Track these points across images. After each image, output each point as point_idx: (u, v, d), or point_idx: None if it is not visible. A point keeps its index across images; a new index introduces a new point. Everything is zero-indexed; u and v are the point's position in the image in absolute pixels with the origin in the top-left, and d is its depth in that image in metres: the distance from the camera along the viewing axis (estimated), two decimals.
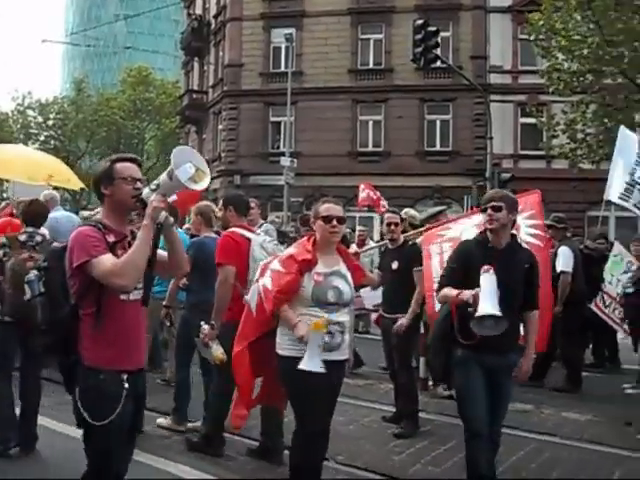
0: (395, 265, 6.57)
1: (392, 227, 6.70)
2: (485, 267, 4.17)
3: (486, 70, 27.12)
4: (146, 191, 3.06)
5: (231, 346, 4.70)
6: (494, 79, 27.00)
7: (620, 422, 6.88)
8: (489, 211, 4.42)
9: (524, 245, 5.00)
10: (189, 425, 6.04)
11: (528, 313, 4.58)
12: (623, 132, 8.98)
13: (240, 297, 4.89)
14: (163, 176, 3.03)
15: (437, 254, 6.27)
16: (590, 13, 16.18)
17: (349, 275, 4.37)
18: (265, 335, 4.46)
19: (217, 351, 5.13)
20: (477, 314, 4.03)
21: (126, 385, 3.11)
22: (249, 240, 5.28)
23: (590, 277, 8.93)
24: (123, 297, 3.12)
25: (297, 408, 4.31)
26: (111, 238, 3.14)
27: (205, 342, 5.20)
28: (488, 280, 4.13)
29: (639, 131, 18.72)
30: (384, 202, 13.15)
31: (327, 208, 4.34)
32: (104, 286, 3.02)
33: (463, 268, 4.42)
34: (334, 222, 4.29)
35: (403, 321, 6.40)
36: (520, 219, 5.48)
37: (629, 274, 8.97)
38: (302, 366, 3.98)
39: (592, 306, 9.17)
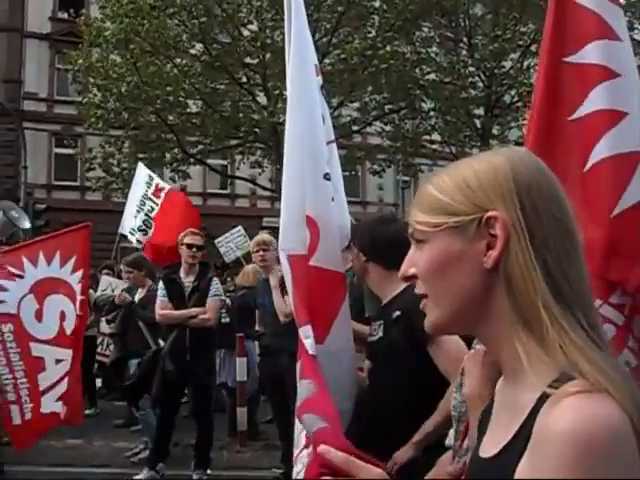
0: None
1: None
2: None
3: (20, 96, 26.19)
4: None
5: None
6: (28, 106, 26.12)
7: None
8: None
9: None
10: None
11: None
12: (140, 168, 9.77)
13: None
14: None
15: None
16: (128, 54, 16.95)
17: None
18: None
19: None
20: None
21: None
22: None
23: None
24: None
25: None
26: None
27: None
28: None
29: (169, 169, 20.25)
30: None
31: None
32: None
33: None
34: None
35: None
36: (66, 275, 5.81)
37: None
38: None
39: None
